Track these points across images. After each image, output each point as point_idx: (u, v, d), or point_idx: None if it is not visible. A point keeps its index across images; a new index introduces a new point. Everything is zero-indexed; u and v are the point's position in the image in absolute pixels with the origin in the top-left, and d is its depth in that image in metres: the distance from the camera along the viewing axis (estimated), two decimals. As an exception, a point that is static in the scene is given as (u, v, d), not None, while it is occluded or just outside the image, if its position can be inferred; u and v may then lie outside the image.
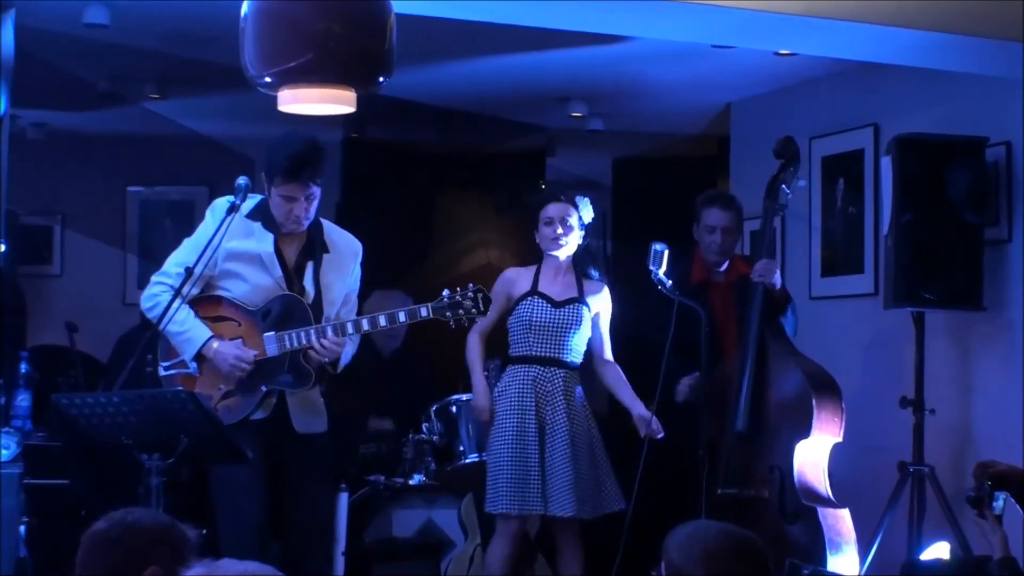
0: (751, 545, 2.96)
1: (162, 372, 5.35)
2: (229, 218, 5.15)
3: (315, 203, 5.34)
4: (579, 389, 6.06)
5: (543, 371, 6.00)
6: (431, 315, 5.33)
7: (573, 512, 5.88)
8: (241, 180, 5.17)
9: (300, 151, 5.26)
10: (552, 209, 6.03)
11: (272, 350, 5.26)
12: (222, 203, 5.26)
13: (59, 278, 10.00)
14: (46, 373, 6.82)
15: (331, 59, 3.44)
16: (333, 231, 5.52)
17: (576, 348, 6.06)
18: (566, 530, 6.02)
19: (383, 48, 3.53)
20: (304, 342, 5.25)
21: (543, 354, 6.01)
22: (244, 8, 3.52)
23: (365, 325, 5.32)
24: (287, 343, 5.26)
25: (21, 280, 8.89)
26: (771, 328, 6.10)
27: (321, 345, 5.23)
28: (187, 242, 5.34)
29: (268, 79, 3.51)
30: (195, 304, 5.30)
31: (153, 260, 9.58)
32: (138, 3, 6.34)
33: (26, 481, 5.54)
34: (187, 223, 9.62)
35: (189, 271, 5.06)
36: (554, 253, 6.04)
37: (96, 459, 5.14)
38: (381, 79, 3.57)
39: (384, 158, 9.76)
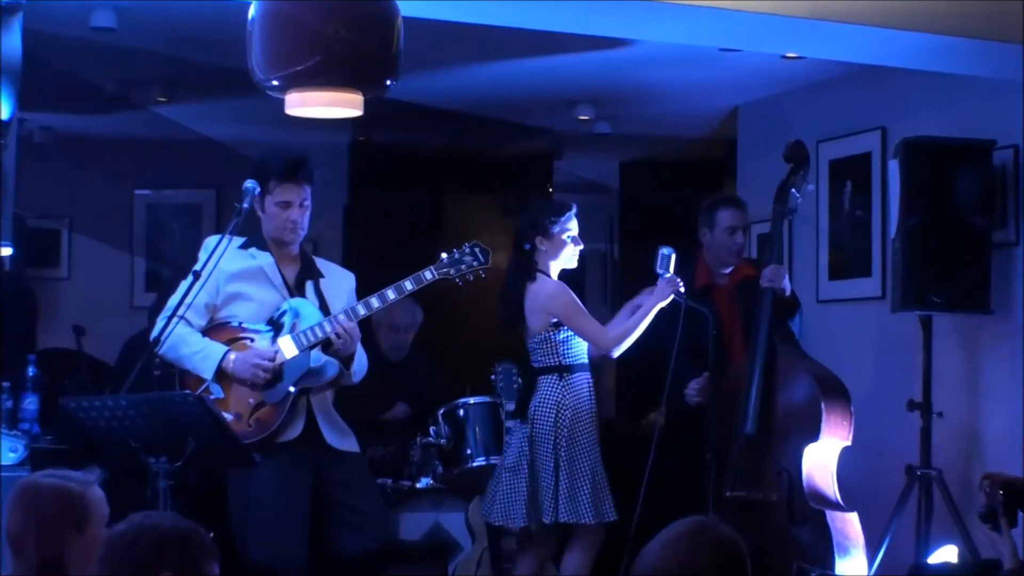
0: (710, 532, 2.92)
1: None
2: (232, 226, 5.15)
3: (308, 213, 5.38)
4: None
5: (588, 376, 6.00)
6: (436, 276, 5.39)
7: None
8: (248, 183, 5.17)
9: (291, 155, 5.35)
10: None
11: (290, 351, 5.28)
12: (213, 240, 5.27)
13: (67, 281, 10.01)
14: (53, 376, 6.81)
15: (338, 63, 3.44)
16: (325, 263, 5.61)
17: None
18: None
19: (390, 52, 3.53)
20: (320, 335, 5.28)
21: (586, 359, 6.01)
22: (251, 11, 3.52)
23: (375, 303, 5.34)
24: (304, 340, 5.27)
25: (30, 283, 8.91)
26: (780, 332, 6.10)
27: (337, 334, 5.25)
28: (188, 280, 5.18)
29: (275, 82, 3.51)
30: (205, 335, 5.31)
31: (160, 263, 9.69)
32: (145, 6, 6.35)
33: (34, 484, 5.53)
34: (194, 226, 9.68)
35: (197, 274, 5.04)
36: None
37: (103, 462, 5.14)
38: (388, 82, 3.57)
39: (391, 161, 9.77)
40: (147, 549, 2.87)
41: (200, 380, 5.27)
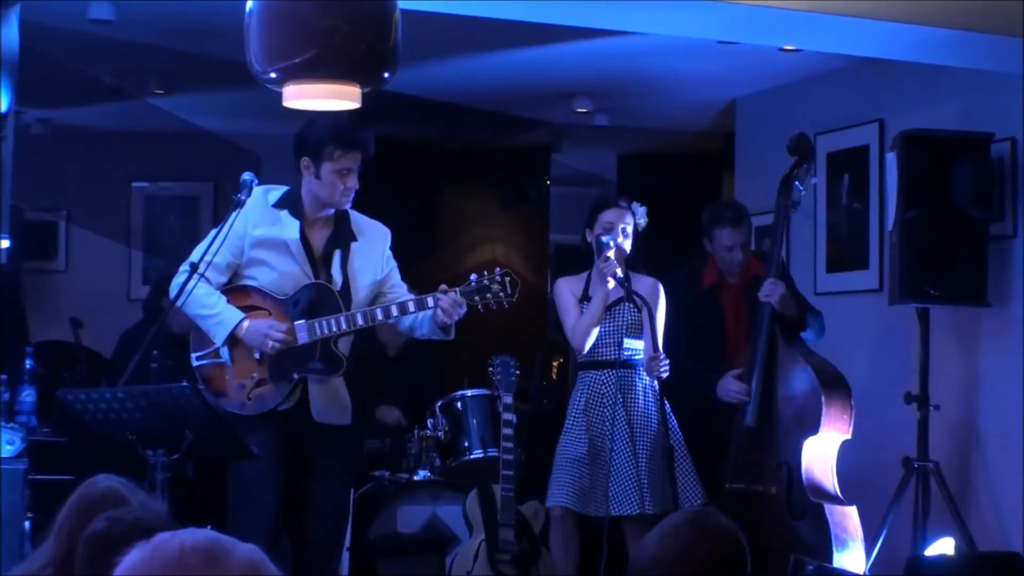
0: (711, 522, 2.93)
1: (194, 363, 5.33)
2: (234, 215, 5.14)
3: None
4: (643, 386, 5.97)
5: (600, 375, 5.97)
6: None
7: (632, 509, 5.80)
8: (246, 176, 5.15)
9: (350, 122, 5.23)
10: (611, 215, 5.99)
11: (303, 337, 5.26)
12: (260, 191, 5.26)
13: (64, 274, 10.01)
14: (51, 369, 6.82)
15: (336, 55, 3.44)
16: (360, 219, 5.50)
17: (633, 347, 6.00)
18: (631, 527, 5.90)
19: (388, 44, 3.52)
20: (335, 329, 5.25)
21: (601, 358, 5.98)
22: (249, 4, 3.51)
23: (395, 311, 5.31)
24: (318, 330, 5.25)
25: (24, 276, 8.89)
26: (781, 325, 6.09)
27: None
28: (214, 233, 5.27)
29: (273, 75, 3.50)
30: (224, 294, 5.29)
31: (158, 256, 9.69)
32: (143, -1, 6.36)
33: (31, 477, 5.53)
34: (192, 219, 9.69)
35: (194, 267, 5.05)
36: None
37: (101, 455, 5.14)
38: (386, 75, 3.56)
39: (390, 154, 9.74)
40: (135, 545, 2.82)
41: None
